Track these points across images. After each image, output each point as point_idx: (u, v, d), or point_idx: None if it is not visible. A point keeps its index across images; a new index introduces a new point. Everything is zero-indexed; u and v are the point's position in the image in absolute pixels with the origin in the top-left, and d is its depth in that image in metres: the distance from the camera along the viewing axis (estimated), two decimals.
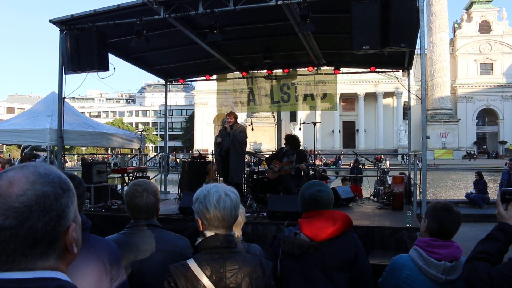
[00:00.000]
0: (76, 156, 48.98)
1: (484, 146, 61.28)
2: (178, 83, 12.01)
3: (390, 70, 10.49)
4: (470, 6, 61.45)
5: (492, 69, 59.67)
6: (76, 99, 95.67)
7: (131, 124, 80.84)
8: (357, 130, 59.95)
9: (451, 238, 2.30)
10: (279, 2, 6.17)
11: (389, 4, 5.73)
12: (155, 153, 42.21)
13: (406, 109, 17.82)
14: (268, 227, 5.90)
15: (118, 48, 8.75)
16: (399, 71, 10.65)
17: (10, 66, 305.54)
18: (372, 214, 6.86)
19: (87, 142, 10.35)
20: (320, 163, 36.40)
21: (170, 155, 15.02)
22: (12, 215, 0.80)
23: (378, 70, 10.59)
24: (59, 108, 7.81)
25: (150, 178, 9.86)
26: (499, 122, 59.50)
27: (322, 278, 2.29)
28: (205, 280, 1.72)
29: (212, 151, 8.25)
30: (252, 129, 9.69)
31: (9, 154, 44.66)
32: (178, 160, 32.65)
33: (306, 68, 10.39)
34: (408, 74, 9.71)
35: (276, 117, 47.15)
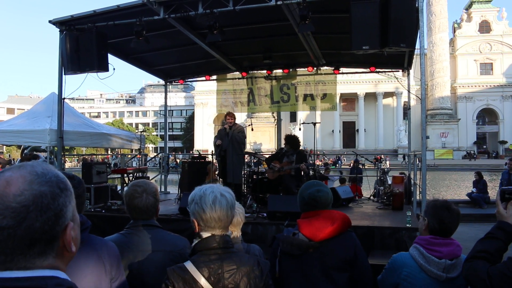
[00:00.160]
0: (76, 156, 49.07)
1: (484, 146, 61.29)
2: (178, 83, 12.02)
3: (390, 70, 10.49)
4: (470, 6, 61.48)
5: (492, 69, 59.69)
6: (76, 99, 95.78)
7: (131, 124, 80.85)
8: (357, 130, 59.97)
9: (451, 236, 2.32)
10: (278, 3, 6.17)
11: (389, 4, 5.73)
12: (155, 154, 42.21)
13: (406, 109, 17.82)
14: (268, 228, 5.90)
15: (118, 48, 8.76)
16: (398, 71, 10.65)
17: (10, 66, 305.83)
18: (372, 214, 6.86)
19: (87, 143, 10.35)
20: (320, 163, 36.41)
21: (170, 156, 15.01)
22: (10, 215, 0.81)
23: (377, 70, 10.59)
24: (59, 109, 7.80)
25: (150, 178, 9.86)
26: (499, 122, 59.52)
27: (321, 278, 2.29)
28: (203, 281, 1.71)
29: (212, 151, 8.26)
30: (252, 129, 9.71)
31: (9, 155, 44.65)
32: (178, 161, 32.67)
33: (306, 68, 10.39)
34: (408, 74, 9.72)
35: (276, 117, 47.16)
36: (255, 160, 9.89)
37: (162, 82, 11.73)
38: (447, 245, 2.25)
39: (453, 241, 2.29)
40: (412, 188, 8.47)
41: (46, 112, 9.62)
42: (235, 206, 1.94)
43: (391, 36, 5.73)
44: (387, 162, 34.44)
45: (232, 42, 8.92)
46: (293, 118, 56.27)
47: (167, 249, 2.25)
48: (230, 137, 7.73)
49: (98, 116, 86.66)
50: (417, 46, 6.63)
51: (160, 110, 78.84)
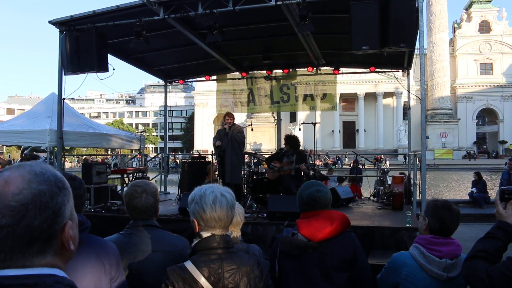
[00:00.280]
0: (76, 157, 49.09)
1: (484, 146, 61.30)
2: (178, 83, 12.02)
3: (390, 70, 10.49)
4: (469, 6, 61.49)
5: (492, 69, 59.71)
6: (76, 100, 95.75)
7: (131, 124, 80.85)
8: (357, 130, 59.98)
9: (451, 236, 2.33)
10: (278, 3, 6.17)
11: (389, 4, 5.72)
12: (155, 154, 42.21)
13: (406, 109, 17.81)
14: (268, 228, 5.90)
15: (117, 48, 8.75)
16: (398, 71, 10.65)
17: (10, 66, 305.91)
18: (372, 214, 6.86)
19: (87, 143, 10.35)
20: (320, 163, 36.41)
21: (170, 156, 15.01)
22: (9, 214, 0.82)
23: (377, 70, 10.59)
24: (59, 109, 7.80)
25: (150, 178, 9.86)
26: (499, 122, 59.53)
27: (321, 278, 2.29)
28: (203, 281, 1.71)
29: (212, 151, 8.26)
30: (252, 130, 9.72)
31: (9, 155, 44.66)
32: (178, 161, 32.68)
33: (306, 69, 10.39)
34: (408, 74, 9.72)
35: (276, 118, 47.19)
36: (255, 160, 9.89)
37: (162, 82, 11.73)
38: (447, 244, 2.26)
39: (453, 240, 2.30)
40: (412, 188, 8.47)
41: (46, 112, 9.62)
42: (235, 206, 1.94)
43: (391, 36, 5.73)
44: (387, 162, 34.45)
45: (232, 42, 8.92)
46: (293, 118, 56.27)
47: (167, 249, 2.25)
48: (229, 137, 7.74)
49: (98, 117, 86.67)
50: (417, 46, 6.63)
51: (160, 110, 78.89)
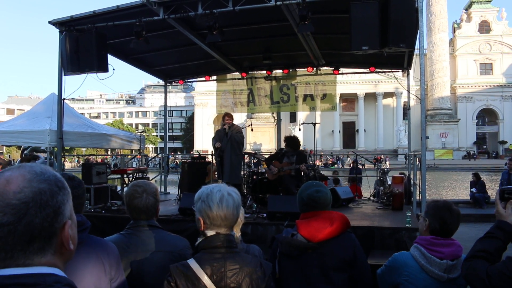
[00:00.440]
0: (75, 157, 49.08)
1: (484, 146, 61.30)
2: (178, 84, 12.02)
3: (390, 70, 10.49)
4: (469, 6, 61.50)
5: (491, 69, 59.72)
6: (76, 100, 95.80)
7: (131, 125, 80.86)
8: (357, 131, 59.98)
9: (451, 237, 2.32)
10: (278, 3, 6.17)
11: (388, 5, 5.72)
12: (155, 154, 42.21)
13: (406, 109, 17.84)
14: (268, 228, 5.90)
15: (117, 49, 8.76)
16: (398, 71, 10.65)
17: (10, 67, 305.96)
18: (372, 215, 6.86)
19: (86, 143, 10.35)
20: (320, 163, 36.43)
21: (170, 156, 15.02)
22: (10, 212, 0.83)
23: (377, 70, 10.60)
24: (59, 109, 7.80)
25: (150, 179, 9.86)
26: (499, 122, 59.53)
27: (321, 278, 2.29)
28: (205, 279, 1.72)
29: (212, 152, 8.27)
30: (252, 130, 9.72)
31: (9, 156, 44.67)
32: (178, 161, 32.69)
33: (306, 69, 10.39)
34: (408, 74, 9.72)
35: (276, 118, 47.20)
36: (255, 161, 9.89)
37: (162, 82, 11.74)
38: (448, 245, 2.25)
39: (454, 241, 2.29)
40: (412, 188, 8.47)
41: (46, 112, 9.62)
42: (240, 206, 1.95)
43: (391, 36, 5.73)
44: (387, 163, 34.46)
45: (231, 43, 8.92)
46: (293, 118, 56.28)
47: (167, 249, 2.25)
48: (229, 137, 7.74)
49: (98, 117, 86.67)
50: (417, 46, 6.64)
51: (160, 111, 78.88)
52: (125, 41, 7.84)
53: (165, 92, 11.85)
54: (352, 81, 53.86)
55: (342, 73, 11.45)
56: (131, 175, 9.49)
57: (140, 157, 14.73)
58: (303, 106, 11.22)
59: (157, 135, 76.59)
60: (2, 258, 0.84)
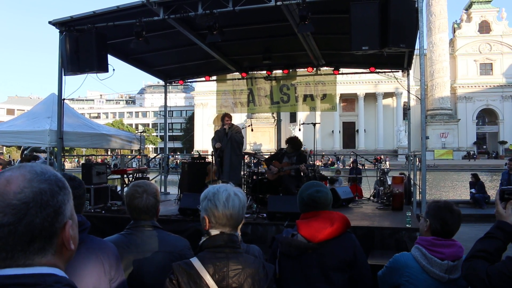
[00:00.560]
0: (76, 157, 49.08)
1: (484, 146, 61.30)
2: (178, 84, 12.02)
3: (390, 70, 10.49)
4: (469, 6, 61.51)
5: (491, 69, 59.73)
6: (76, 100, 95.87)
7: (131, 125, 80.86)
8: (357, 131, 59.98)
9: (452, 237, 2.32)
10: (278, 3, 6.17)
11: (388, 5, 5.72)
12: (155, 154, 42.20)
13: (406, 109, 17.86)
14: (268, 228, 5.90)
15: (117, 49, 8.76)
16: (398, 71, 10.65)
17: (10, 67, 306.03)
18: (372, 215, 6.86)
19: (86, 144, 10.35)
20: (320, 163, 36.43)
21: (170, 156, 15.02)
22: (10, 212, 0.83)
23: (377, 70, 10.59)
24: (59, 110, 7.80)
25: (150, 179, 9.86)
26: (499, 122, 59.54)
27: (321, 279, 2.29)
28: (207, 278, 1.73)
29: (212, 152, 8.27)
30: (252, 130, 9.71)
31: (9, 156, 44.68)
32: (178, 161, 32.69)
33: (306, 69, 10.39)
34: (408, 74, 9.72)
35: (276, 118, 47.19)
36: (255, 161, 9.89)
37: (162, 82, 11.74)
38: (449, 246, 2.25)
39: (455, 242, 2.29)
40: (412, 188, 8.47)
41: (46, 113, 9.62)
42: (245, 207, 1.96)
43: (391, 37, 5.73)
44: (387, 163, 34.47)
45: (231, 43, 8.92)
46: (293, 118, 56.28)
47: (167, 249, 2.25)
48: (229, 137, 7.74)
49: (98, 117, 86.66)
50: (417, 46, 6.63)
51: (160, 111, 78.86)
52: (125, 41, 7.85)
53: (165, 92, 11.84)
54: (352, 81, 53.86)
55: (342, 73, 11.45)
56: (131, 175, 9.49)
57: (140, 157, 14.71)
58: (303, 106, 11.22)
59: (157, 135, 76.59)
60: (3, 258, 0.84)
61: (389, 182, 8.84)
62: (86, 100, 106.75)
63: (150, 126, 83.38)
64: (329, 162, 43.09)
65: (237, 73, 11.01)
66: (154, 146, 73.77)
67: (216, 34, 6.70)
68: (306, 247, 2.29)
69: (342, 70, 10.96)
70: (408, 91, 9.25)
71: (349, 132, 60.85)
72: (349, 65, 11.14)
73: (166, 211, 6.83)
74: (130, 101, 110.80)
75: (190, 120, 74.80)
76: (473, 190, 12.97)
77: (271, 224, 5.92)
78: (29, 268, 0.85)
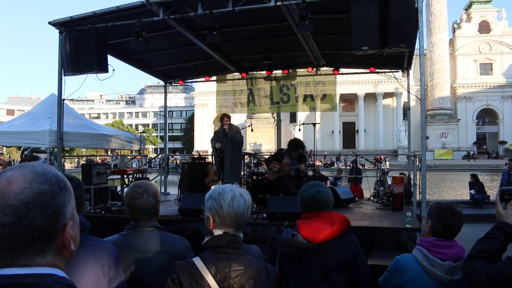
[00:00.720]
0: (76, 157, 49.09)
1: (484, 146, 61.30)
2: (178, 84, 12.02)
3: (390, 70, 10.50)
4: (469, 6, 61.52)
5: (491, 69, 59.73)
6: (76, 100, 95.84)
7: (131, 125, 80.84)
8: (357, 131, 59.98)
9: (454, 238, 2.31)
10: (278, 3, 6.17)
11: (388, 5, 5.72)
12: (155, 155, 42.19)
13: (406, 109, 17.87)
14: (268, 228, 5.90)
15: (117, 49, 8.76)
16: (398, 71, 10.65)
17: (10, 67, 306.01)
18: (372, 215, 6.85)
19: (86, 144, 10.34)
20: (320, 163, 36.44)
21: (170, 157, 15.02)
22: (11, 213, 0.83)
23: (377, 70, 10.60)
24: (59, 110, 7.80)
25: (150, 179, 9.85)
26: (499, 122, 59.53)
27: (321, 279, 2.29)
28: (209, 278, 1.73)
29: (212, 152, 8.27)
30: (252, 130, 9.70)
31: (9, 156, 44.66)
32: (178, 162, 32.69)
33: (306, 69, 10.39)
34: (408, 74, 9.72)
35: (276, 118, 47.20)
36: (255, 161, 9.89)
37: (162, 83, 11.74)
38: (450, 247, 2.24)
39: (457, 243, 2.28)
40: (412, 188, 8.47)
41: (46, 113, 9.62)
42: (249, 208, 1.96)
43: (391, 37, 5.73)
44: (387, 163, 34.47)
45: (231, 43, 8.92)
46: (293, 118, 56.27)
47: (167, 250, 2.25)
48: (229, 137, 7.74)
49: (98, 117, 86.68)
50: (417, 46, 6.64)
51: (160, 111, 78.88)
52: (125, 42, 7.84)
53: (165, 93, 11.84)
54: (352, 81, 53.84)
55: (342, 73, 11.45)
56: (131, 176, 9.49)
57: (140, 157, 14.71)
58: (303, 106, 11.22)
59: (157, 136, 76.58)
60: (3, 258, 0.84)
61: (389, 182, 8.84)
62: (86, 100, 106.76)
63: (150, 127, 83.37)
64: (329, 162, 43.09)
65: (237, 73, 11.02)
66: (154, 147, 73.75)
67: (216, 34, 6.70)
68: (307, 248, 2.29)
69: (342, 70, 10.96)
70: (408, 91, 9.25)
71: (349, 132, 60.85)
72: (349, 65, 11.14)
73: (166, 211, 6.83)
74: (130, 102, 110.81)
75: (190, 120, 74.80)
76: (472, 191, 12.94)
77: (271, 224, 5.92)
78: (29, 268, 0.85)
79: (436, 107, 56.89)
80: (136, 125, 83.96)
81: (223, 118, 7.98)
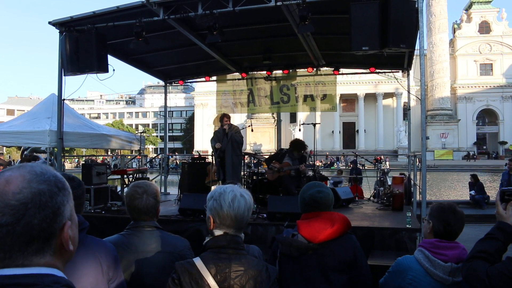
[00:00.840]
0: (76, 157, 49.09)
1: (484, 147, 61.31)
2: (178, 84, 12.03)
3: (390, 70, 10.49)
4: (469, 6, 61.53)
5: (492, 69, 59.75)
6: (76, 100, 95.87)
7: (131, 125, 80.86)
8: (357, 131, 59.99)
9: (456, 239, 2.30)
10: (278, 3, 6.17)
11: (388, 5, 5.72)
12: (155, 155, 42.20)
13: (406, 109, 17.86)
14: (268, 228, 5.90)
15: (117, 49, 8.75)
16: (398, 71, 10.65)
17: (10, 67, 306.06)
18: (372, 215, 6.85)
19: (86, 144, 10.34)
20: (320, 163, 36.45)
21: (170, 157, 15.02)
22: (9, 213, 0.83)
23: (377, 71, 10.59)
24: (59, 110, 7.80)
25: (150, 179, 9.85)
26: (499, 123, 59.54)
27: (321, 279, 2.28)
28: (209, 278, 1.73)
29: (212, 152, 8.27)
30: (252, 130, 9.70)
31: (9, 156, 44.68)
32: (178, 162, 32.70)
33: (306, 69, 10.39)
34: (408, 74, 9.71)
35: (276, 118, 47.21)
36: (255, 161, 9.89)
37: (162, 83, 11.74)
38: (452, 248, 2.23)
39: (459, 244, 2.27)
40: (412, 188, 8.47)
41: (46, 113, 9.62)
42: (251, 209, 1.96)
43: (391, 37, 5.73)
44: (387, 163, 34.47)
45: (231, 43, 8.92)
46: (293, 118, 56.27)
47: (168, 250, 2.25)
48: (229, 137, 7.74)
49: (98, 117, 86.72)
50: (417, 46, 6.63)
51: (160, 111, 78.92)
52: (125, 42, 7.84)
53: (165, 93, 11.84)
54: (352, 82, 53.83)
55: (342, 74, 11.44)
56: (131, 176, 9.49)
57: (140, 157, 14.71)
58: (303, 106, 11.22)
59: (157, 136, 76.59)
60: (1, 258, 0.84)
61: (389, 183, 8.84)
62: (86, 100, 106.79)
63: (150, 127, 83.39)
64: (329, 162, 43.10)
65: (237, 73, 11.02)
66: (154, 147, 73.77)
67: (216, 35, 6.70)
68: (307, 248, 2.29)
69: (342, 70, 10.95)
70: (408, 92, 9.25)
71: (349, 132, 60.86)
72: (349, 65, 11.14)
73: (166, 211, 6.83)
74: (130, 102, 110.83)
75: (190, 120, 74.81)
76: (472, 192, 12.93)
77: (271, 224, 5.92)
78: (28, 268, 0.85)
79: (436, 108, 56.89)
80: (136, 125, 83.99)
81: (223, 118, 7.98)
